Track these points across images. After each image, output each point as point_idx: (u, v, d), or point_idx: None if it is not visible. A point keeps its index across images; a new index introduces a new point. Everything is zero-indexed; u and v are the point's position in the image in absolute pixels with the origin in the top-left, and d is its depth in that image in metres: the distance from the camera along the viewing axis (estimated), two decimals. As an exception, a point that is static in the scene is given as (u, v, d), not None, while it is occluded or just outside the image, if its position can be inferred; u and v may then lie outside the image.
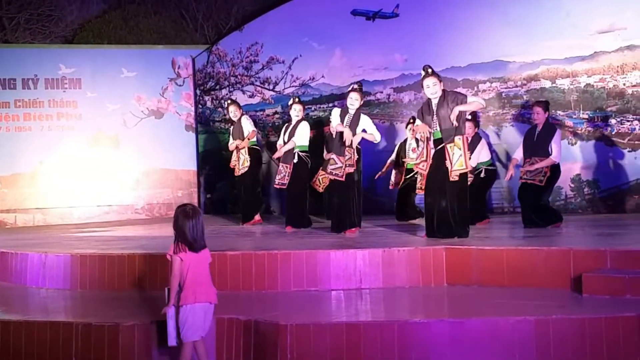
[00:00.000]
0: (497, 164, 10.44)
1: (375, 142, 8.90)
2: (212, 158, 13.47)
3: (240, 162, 10.47)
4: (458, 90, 10.94)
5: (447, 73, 11.31)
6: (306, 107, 12.55)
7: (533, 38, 10.66)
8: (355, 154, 8.56)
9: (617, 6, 10.17)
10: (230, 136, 10.74)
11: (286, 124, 9.98)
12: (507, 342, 4.99)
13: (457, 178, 7.32)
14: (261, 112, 13.11)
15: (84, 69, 13.21)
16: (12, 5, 14.10)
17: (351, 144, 8.46)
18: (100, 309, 6.02)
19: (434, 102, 7.49)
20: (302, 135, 9.66)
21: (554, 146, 8.43)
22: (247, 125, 10.52)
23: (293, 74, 12.76)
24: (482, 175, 9.44)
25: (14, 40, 13.95)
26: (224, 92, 13.41)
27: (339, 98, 12.23)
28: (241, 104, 12.99)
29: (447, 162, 7.32)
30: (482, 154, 9.48)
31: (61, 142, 13.00)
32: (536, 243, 6.99)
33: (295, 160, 9.54)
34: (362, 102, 8.84)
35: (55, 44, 14.04)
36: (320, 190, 9.86)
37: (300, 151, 9.60)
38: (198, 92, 13.67)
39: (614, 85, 10.19)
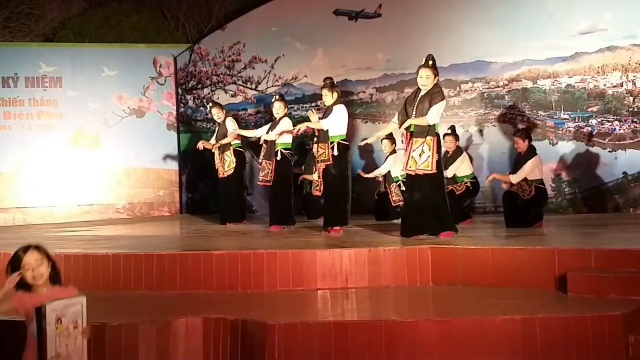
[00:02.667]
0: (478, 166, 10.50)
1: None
2: (193, 157, 13.39)
3: (226, 164, 10.41)
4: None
5: (429, 73, 11.37)
6: (289, 106, 12.60)
7: (514, 39, 10.75)
8: (334, 150, 8.47)
9: (597, 7, 10.26)
10: (214, 137, 10.66)
11: (270, 122, 9.93)
12: (493, 341, 5.01)
13: (421, 173, 7.29)
14: (243, 112, 13.09)
15: (65, 68, 13.11)
16: (-9, 3, 13.99)
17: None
18: (86, 309, 5.97)
19: (421, 93, 7.44)
20: (282, 132, 9.56)
21: (524, 167, 8.50)
22: (232, 127, 10.46)
23: (275, 73, 12.76)
24: (471, 188, 9.53)
25: (-7, 39, 13.84)
26: (205, 91, 13.38)
27: (321, 98, 12.21)
28: (223, 104, 12.98)
29: (414, 153, 7.30)
30: (462, 167, 9.53)
31: (41, 141, 12.90)
32: (521, 242, 7.04)
33: (278, 158, 9.50)
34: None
35: (35, 42, 13.93)
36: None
37: (283, 148, 9.54)
38: (180, 91, 13.63)
39: (594, 86, 10.29)
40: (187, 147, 13.54)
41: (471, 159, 10.39)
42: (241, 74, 13.07)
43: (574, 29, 10.37)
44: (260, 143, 9.82)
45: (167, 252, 6.71)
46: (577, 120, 10.39)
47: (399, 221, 9.77)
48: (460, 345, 5.00)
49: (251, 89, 13.01)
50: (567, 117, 10.47)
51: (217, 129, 10.69)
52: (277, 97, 9.94)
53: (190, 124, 13.56)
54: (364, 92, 12.04)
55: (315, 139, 8.63)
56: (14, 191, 12.78)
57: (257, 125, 12.89)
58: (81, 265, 6.71)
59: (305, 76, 12.50)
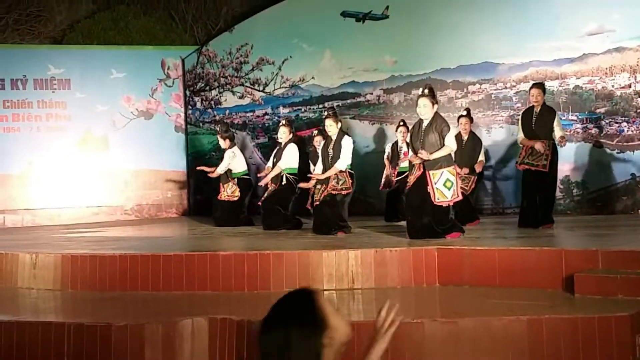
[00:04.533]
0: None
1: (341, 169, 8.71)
2: (201, 159, 13.42)
3: (230, 190, 10.41)
4: (448, 92, 11.10)
5: (436, 75, 11.39)
6: (296, 108, 12.65)
7: (522, 40, 10.71)
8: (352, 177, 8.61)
9: (605, 8, 10.22)
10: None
11: (277, 147, 9.97)
12: (500, 341, 5.00)
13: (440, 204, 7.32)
14: (251, 113, 13.10)
15: (73, 70, 13.16)
16: (0, 5, 14.03)
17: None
18: (92, 309, 6.01)
19: (424, 124, 7.47)
20: (289, 158, 9.65)
21: (557, 130, 8.25)
22: (223, 162, 10.49)
23: (283, 75, 12.76)
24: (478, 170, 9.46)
25: (2, 41, 13.87)
26: (214, 93, 13.39)
27: (329, 99, 12.27)
28: (231, 105, 13.09)
29: (429, 188, 7.31)
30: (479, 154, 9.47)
31: (50, 142, 12.94)
32: (528, 243, 7.01)
33: (283, 183, 9.59)
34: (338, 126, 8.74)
35: (43, 44, 13.98)
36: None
37: (289, 173, 9.62)
38: (188, 93, 13.65)
39: (602, 87, 10.25)
40: (195, 149, 13.56)
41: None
42: (249, 75, 13.08)
43: (581, 30, 10.33)
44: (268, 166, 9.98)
45: (174, 253, 6.72)
46: (585, 122, 10.35)
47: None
48: (466, 345, 4.99)
49: (259, 90, 13.02)
50: (574, 118, 10.43)
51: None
52: (284, 122, 9.98)
53: (198, 126, 13.58)
54: (372, 93, 12.03)
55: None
56: (23, 193, 12.83)
57: (264, 127, 12.94)
58: (88, 266, 6.72)
59: (313, 78, 12.48)
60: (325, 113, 8.91)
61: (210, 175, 10.55)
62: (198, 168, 10.91)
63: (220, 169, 10.46)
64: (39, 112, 13.02)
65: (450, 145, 7.36)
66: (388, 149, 10.50)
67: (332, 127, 8.66)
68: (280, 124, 9.98)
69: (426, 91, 7.47)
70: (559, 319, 5.08)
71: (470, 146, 9.37)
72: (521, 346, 4.98)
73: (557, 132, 8.24)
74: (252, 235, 8.94)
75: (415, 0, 11.61)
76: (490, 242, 7.25)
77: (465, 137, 9.36)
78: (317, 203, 8.66)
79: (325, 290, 6.41)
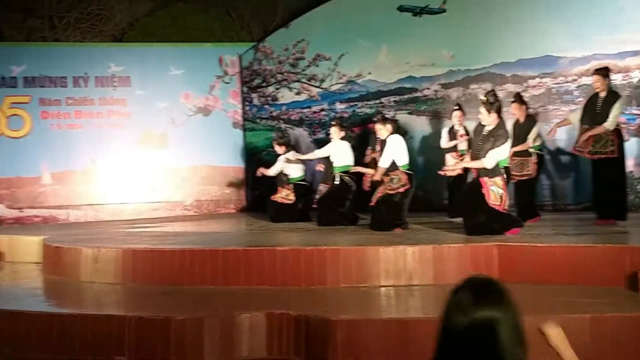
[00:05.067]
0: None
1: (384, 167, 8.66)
2: (258, 155, 13.50)
3: (284, 193, 10.49)
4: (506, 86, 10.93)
5: (495, 69, 11.23)
6: (352, 104, 12.62)
7: (584, 33, 10.47)
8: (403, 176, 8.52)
9: (672, -1, 9.95)
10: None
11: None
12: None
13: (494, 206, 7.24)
14: (308, 109, 13.12)
15: (133, 67, 13.35)
16: (63, 4, 14.33)
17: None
18: (152, 303, 6.09)
19: (485, 129, 7.40)
20: (336, 154, 9.59)
21: (611, 114, 8.00)
22: (275, 166, 10.65)
23: (339, 70, 12.72)
24: (535, 161, 9.24)
25: (65, 39, 14.17)
26: (270, 89, 13.45)
27: (386, 95, 12.20)
28: (288, 101, 13.13)
29: (484, 190, 7.23)
30: (536, 139, 9.27)
31: (111, 139, 13.16)
32: (590, 240, 6.86)
33: (336, 182, 9.53)
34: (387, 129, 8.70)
35: (104, 42, 14.24)
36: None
37: (342, 172, 9.55)
38: (245, 89, 13.73)
39: (667, 80, 9.97)
40: (252, 144, 13.64)
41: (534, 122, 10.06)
42: (305, 71, 13.09)
43: (646, 23, 10.07)
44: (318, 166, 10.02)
45: (232, 248, 6.78)
46: (647, 116, 10.09)
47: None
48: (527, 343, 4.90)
49: (315, 86, 13.02)
50: (638, 112, 10.16)
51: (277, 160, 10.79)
52: (334, 122, 9.99)
53: (255, 122, 13.66)
54: (429, 88, 11.91)
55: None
56: (86, 189, 13.07)
57: (320, 123, 12.95)
58: (147, 260, 6.83)
59: (369, 73, 12.43)
60: (375, 118, 8.93)
61: (262, 173, 10.63)
62: (259, 172, 10.90)
63: (271, 172, 10.60)
64: (101, 109, 13.26)
65: (485, 163, 7.25)
66: (445, 133, 10.35)
67: (381, 131, 8.69)
68: (332, 123, 9.98)
69: (485, 99, 7.39)
70: (622, 317, 4.98)
71: (525, 130, 9.19)
72: (583, 344, 4.87)
73: (610, 119, 8.00)
74: (308, 231, 8.94)
75: (473, -6, 11.46)
76: (550, 239, 7.12)
77: (521, 120, 9.20)
78: (373, 204, 8.62)
79: (382, 286, 6.39)
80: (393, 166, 8.48)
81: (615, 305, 5.29)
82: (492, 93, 7.50)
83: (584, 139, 8.11)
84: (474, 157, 7.44)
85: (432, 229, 8.59)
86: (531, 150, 9.16)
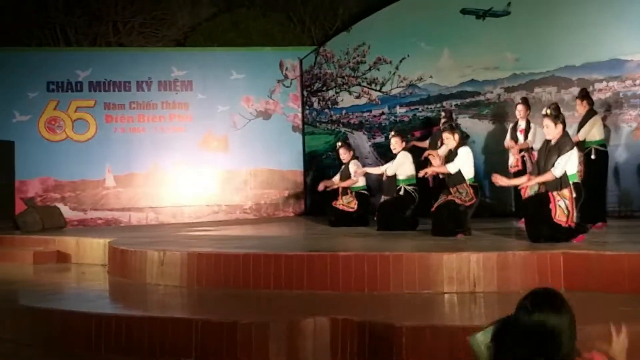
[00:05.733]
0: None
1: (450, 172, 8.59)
2: (318, 159, 13.56)
3: (345, 201, 10.48)
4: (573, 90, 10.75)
5: (561, 72, 11.06)
6: (413, 107, 12.57)
7: (652, 36, 10.24)
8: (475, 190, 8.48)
9: None
10: (338, 176, 10.78)
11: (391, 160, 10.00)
12: (630, 350, 4.79)
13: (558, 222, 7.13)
14: (368, 113, 13.11)
15: (195, 72, 13.55)
16: (127, 10, 14.62)
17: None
18: (217, 306, 6.16)
19: (551, 143, 7.31)
20: (401, 166, 9.59)
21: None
22: (353, 170, 10.56)
23: (400, 74, 12.70)
24: (593, 156, 9.03)
25: (128, 44, 14.46)
26: (330, 93, 13.48)
27: (447, 98, 12.12)
28: (347, 105, 13.14)
29: (551, 205, 7.13)
30: (593, 132, 9.08)
31: (173, 142, 13.38)
32: (660, 249, 6.69)
33: (401, 194, 9.54)
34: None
35: (167, 47, 14.47)
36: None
37: (406, 185, 9.55)
38: (305, 93, 13.80)
39: None
40: (312, 148, 13.68)
41: (606, 126, 9.98)
42: (366, 75, 13.09)
43: None
44: (383, 179, 9.92)
45: (295, 253, 6.80)
46: None
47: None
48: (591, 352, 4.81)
49: (376, 90, 13.01)
50: None
51: (342, 169, 10.75)
52: (394, 132, 9.95)
53: (315, 126, 13.71)
54: (492, 92, 11.79)
55: (446, 180, 8.62)
56: (147, 192, 13.33)
57: (380, 127, 12.93)
58: (213, 264, 6.90)
59: (431, 77, 12.36)
60: (442, 127, 8.87)
61: (336, 185, 10.64)
62: (321, 186, 10.87)
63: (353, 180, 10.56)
64: (163, 112, 13.49)
65: (555, 172, 7.14)
66: (509, 131, 10.24)
67: (449, 140, 8.62)
68: (391, 135, 9.93)
69: (548, 111, 7.32)
70: (697, 329, 4.83)
71: (582, 125, 9.08)
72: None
73: None
74: (368, 236, 8.92)
75: (537, -4, 11.29)
76: (618, 247, 6.97)
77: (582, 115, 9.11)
78: (434, 209, 8.56)
79: (445, 293, 6.33)
80: (460, 179, 8.42)
81: (687, 316, 5.15)
82: (555, 106, 7.44)
83: None
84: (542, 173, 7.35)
85: (495, 235, 8.48)
86: (591, 145, 9.00)
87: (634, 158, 10.36)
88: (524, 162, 9.78)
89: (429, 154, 9.46)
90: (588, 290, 6.17)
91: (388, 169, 9.66)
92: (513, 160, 9.94)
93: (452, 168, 8.44)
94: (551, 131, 7.26)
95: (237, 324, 5.27)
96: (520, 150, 9.83)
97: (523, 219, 9.33)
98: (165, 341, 5.43)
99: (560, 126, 7.26)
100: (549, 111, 7.31)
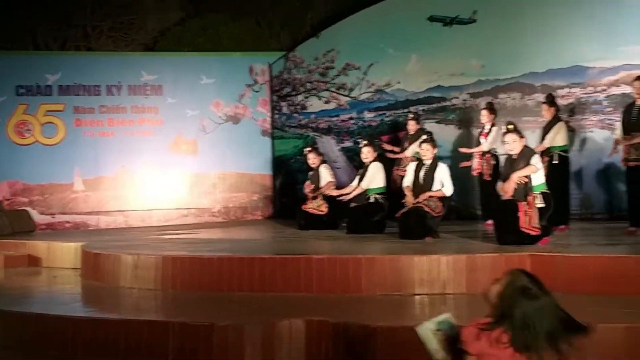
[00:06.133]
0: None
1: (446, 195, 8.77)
2: (287, 163, 13.67)
3: (315, 204, 10.60)
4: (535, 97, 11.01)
5: (525, 79, 11.31)
6: (380, 112, 12.74)
7: (614, 43, 10.51)
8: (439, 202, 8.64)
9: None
10: (309, 181, 10.88)
11: (360, 170, 10.14)
12: (596, 349, 4.98)
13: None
14: (336, 118, 13.26)
15: (165, 76, 13.56)
16: (96, 14, 14.57)
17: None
18: (192, 309, 6.24)
19: (513, 158, 7.62)
20: (374, 178, 9.76)
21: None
22: (326, 176, 10.69)
23: (368, 79, 12.86)
24: (555, 161, 9.31)
25: (97, 48, 14.41)
26: (300, 97, 13.61)
27: (414, 104, 12.31)
28: (317, 110, 13.28)
29: (519, 214, 7.36)
30: (557, 138, 9.35)
31: (143, 146, 13.36)
32: (624, 250, 6.94)
33: (370, 201, 9.73)
34: (435, 152, 8.85)
35: (136, 51, 14.46)
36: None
37: (377, 194, 9.74)
38: (274, 98, 13.89)
39: (696, 91, 9.97)
40: (281, 152, 13.79)
41: (572, 130, 10.32)
42: (334, 80, 13.23)
43: (676, 33, 10.10)
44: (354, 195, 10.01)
45: (269, 256, 6.93)
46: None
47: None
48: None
49: (344, 95, 13.16)
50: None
51: (311, 174, 10.87)
52: (366, 142, 10.11)
53: (284, 130, 13.81)
54: (457, 97, 12.01)
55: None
56: (116, 195, 13.29)
57: (349, 132, 13.08)
58: (187, 267, 6.99)
59: (399, 82, 12.55)
60: (423, 137, 9.11)
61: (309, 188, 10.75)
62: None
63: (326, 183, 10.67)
64: (133, 117, 13.47)
65: (536, 164, 7.46)
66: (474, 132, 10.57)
67: (428, 152, 8.77)
68: (362, 144, 10.08)
69: (512, 127, 7.66)
70: (658, 327, 5.04)
71: (547, 131, 9.38)
72: (618, 354, 4.96)
73: None
74: (339, 239, 9.06)
75: (503, 4, 11.50)
76: (583, 249, 7.20)
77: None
78: (399, 215, 8.74)
79: (416, 294, 6.50)
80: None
81: (650, 315, 5.36)
82: (509, 122, 7.86)
83: (630, 143, 8.23)
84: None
85: (463, 238, 8.68)
86: (554, 150, 9.27)
87: (595, 163, 10.64)
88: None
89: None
90: (554, 291, 6.34)
91: (363, 182, 9.80)
92: (475, 163, 10.24)
93: (448, 191, 8.65)
94: (517, 145, 7.58)
95: (214, 326, 5.36)
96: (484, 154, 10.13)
97: (489, 222, 9.69)
98: (141, 344, 5.51)
99: (524, 140, 7.65)
100: (510, 127, 7.66)
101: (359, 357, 5.18)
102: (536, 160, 7.57)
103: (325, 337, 5.38)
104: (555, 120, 9.42)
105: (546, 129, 9.40)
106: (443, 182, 8.63)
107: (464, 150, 10.49)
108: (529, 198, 7.39)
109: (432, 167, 8.71)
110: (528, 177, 7.45)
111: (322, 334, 5.39)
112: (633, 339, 4.97)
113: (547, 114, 9.43)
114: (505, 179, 7.64)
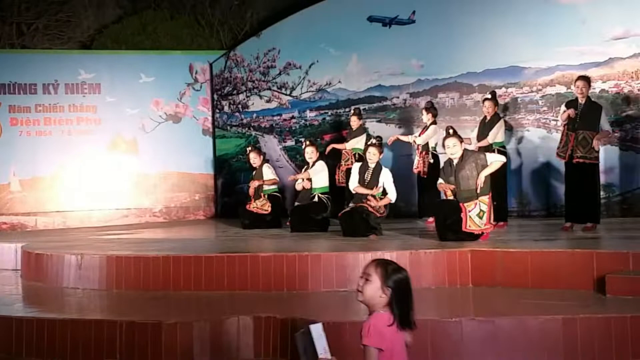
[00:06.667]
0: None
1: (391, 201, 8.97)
2: (228, 162, 13.66)
3: (259, 204, 10.64)
4: (472, 96, 11.27)
5: (463, 78, 11.55)
6: (322, 111, 12.85)
7: (548, 44, 10.82)
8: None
9: (632, 13, 10.34)
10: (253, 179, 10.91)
11: (305, 166, 10.36)
12: (536, 339, 5.18)
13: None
14: (278, 117, 13.31)
15: (103, 74, 13.39)
16: (31, 11, 14.31)
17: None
18: (139, 308, 6.24)
19: (454, 162, 7.80)
20: (318, 177, 9.97)
21: (604, 122, 8.51)
22: (269, 174, 10.78)
23: (310, 79, 12.94)
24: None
25: (32, 46, 14.15)
26: (241, 97, 13.61)
27: (355, 103, 12.43)
28: (258, 109, 13.31)
29: (462, 214, 7.58)
30: (498, 135, 9.57)
31: (81, 146, 13.16)
32: (559, 246, 7.19)
33: (315, 200, 9.88)
34: (381, 156, 9.04)
35: (73, 49, 14.24)
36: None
37: (321, 193, 9.91)
38: (215, 97, 13.86)
39: (628, 91, 10.37)
40: (222, 152, 13.77)
41: (510, 127, 10.69)
42: (276, 79, 13.28)
43: (607, 35, 10.44)
44: (299, 190, 10.30)
45: (215, 254, 6.95)
46: (611, 125, 10.43)
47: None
48: (503, 343, 5.17)
49: (286, 94, 13.22)
50: (601, 121, 10.52)
51: (254, 173, 10.92)
52: (308, 142, 10.30)
53: (225, 129, 13.80)
54: (398, 97, 12.19)
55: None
56: (54, 195, 13.06)
57: (291, 131, 13.15)
58: (132, 267, 6.96)
59: (340, 82, 12.67)
60: (372, 140, 9.23)
61: (252, 187, 10.78)
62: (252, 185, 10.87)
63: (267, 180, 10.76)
64: (70, 116, 13.26)
65: (498, 159, 7.89)
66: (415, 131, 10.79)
67: (374, 157, 8.93)
68: (305, 144, 10.27)
69: (451, 131, 7.89)
70: (593, 318, 5.26)
71: (490, 128, 9.54)
72: (556, 344, 5.16)
73: (606, 127, 8.55)
74: (284, 238, 9.13)
75: (442, 6, 11.72)
76: (521, 245, 7.43)
77: (488, 118, 9.58)
78: (343, 213, 8.89)
79: (362, 290, 6.60)
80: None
81: (585, 307, 5.58)
82: (450, 127, 8.07)
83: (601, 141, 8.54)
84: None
85: (405, 234, 8.85)
86: (495, 146, 9.48)
87: (531, 161, 10.95)
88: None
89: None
90: (495, 285, 6.59)
91: (311, 175, 9.95)
92: (417, 161, 10.46)
93: (392, 197, 8.81)
94: (458, 149, 7.79)
95: (162, 324, 5.39)
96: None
97: (429, 219, 9.90)
98: (89, 343, 5.49)
99: (463, 144, 7.90)
100: (451, 131, 7.88)
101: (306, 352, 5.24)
102: (493, 156, 7.88)
103: (273, 333, 5.46)
104: (496, 117, 9.66)
105: (488, 126, 9.59)
106: (387, 188, 8.80)
107: (392, 139, 10.68)
108: (485, 197, 7.59)
109: (377, 170, 8.88)
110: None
111: (269, 330, 5.46)
112: (570, 329, 5.17)
113: (491, 110, 9.62)
114: (450, 180, 7.83)
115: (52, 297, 7.00)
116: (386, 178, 8.83)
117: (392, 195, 8.83)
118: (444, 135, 8.00)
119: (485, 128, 9.56)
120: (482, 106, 9.85)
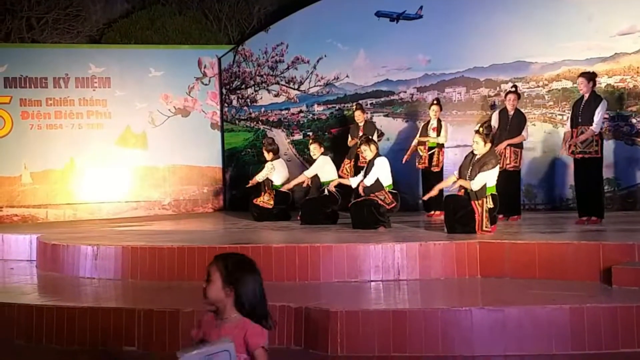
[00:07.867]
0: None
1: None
2: (237, 155, 13.80)
3: (265, 198, 10.79)
4: (480, 90, 11.39)
5: (469, 73, 11.66)
6: (330, 106, 12.98)
7: (554, 39, 10.95)
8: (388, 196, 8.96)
9: (637, 9, 10.45)
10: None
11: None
12: (544, 328, 5.31)
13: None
14: (286, 111, 13.43)
15: (113, 69, 13.53)
16: (41, 5, 14.44)
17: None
18: (155, 297, 6.36)
19: (475, 157, 7.91)
20: (322, 170, 10.22)
21: (595, 117, 8.46)
22: (264, 173, 10.93)
23: (317, 73, 13.06)
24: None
25: (42, 40, 14.29)
26: (249, 91, 13.73)
27: (362, 97, 12.56)
28: (266, 103, 13.47)
29: (477, 216, 7.69)
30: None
31: (91, 139, 13.31)
32: (566, 238, 7.32)
33: (325, 194, 10.09)
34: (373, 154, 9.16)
35: (82, 43, 14.37)
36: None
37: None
38: (224, 91, 13.99)
39: (634, 86, 10.49)
40: (231, 145, 13.90)
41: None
42: (284, 74, 13.40)
43: (613, 30, 10.56)
44: (305, 185, 10.57)
45: (229, 245, 7.08)
46: (616, 120, 10.58)
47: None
48: (511, 331, 5.31)
49: (294, 89, 13.34)
50: (606, 116, 10.61)
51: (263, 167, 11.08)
52: (312, 139, 10.57)
53: (233, 123, 13.93)
54: (405, 92, 12.31)
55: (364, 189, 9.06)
56: (65, 188, 13.21)
57: (298, 125, 13.27)
58: (148, 257, 7.10)
59: (347, 76, 12.79)
60: (360, 139, 9.46)
61: (250, 184, 10.93)
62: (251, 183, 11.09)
63: (258, 178, 10.88)
64: (80, 109, 13.40)
65: (473, 185, 7.77)
66: (421, 127, 10.86)
67: (366, 152, 9.19)
68: (310, 141, 10.58)
69: (481, 129, 7.95)
70: (600, 307, 5.39)
71: (516, 122, 9.63)
72: (564, 333, 5.29)
73: (595, 120, 8.45)
74: (294, 230, 9.26)
75: (449, 1, 11.84)
76: (529, 237, 7.55)
77: (511, 112, 9.65)
78: (352, 205, 9.03)
79: (372, 281, 6.76)
80: (378, 187, 8.92)
81: (592, 297, 5.71)
82: (487, 125, 8.16)
83: (580, 140, 8.49)
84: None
85: (413, 227, 8.99)
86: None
87: (538, 156, 11.07)
88: (430, 159, 10.39)
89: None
90: (503, 276, 6.72)
91: (307, 172, 10.34)
92: (422, 156, 10.57)
93: (369, 181, 8.95)
94: (480, 147, 7.86)
95: (179, 312, 5.52)
96: (431, 148, 10.44)
97: (434, 212, 10.07)
98: (108, 330, 5.63)
99: (488, 145, 7.94)
100: (481, 129, 7.91)
101: (321, 339, 5.39)
102: (487, 176, 7.82)
103: (287, 321, 5.59)
104: (522, 115, 9.76)
105: (514, 121, 9.62)
106: (372, 175, 8.96)
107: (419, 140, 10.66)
108: (480, 201, 7.70)
109: (371, 164, 9.07)
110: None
111: (284, 318, 5.59)
112: (577, 318, 5.30)
113: (515, 104, 9.70)
114: (461, 171, 7.94)
115: (69, 286, 7.15)
116: (375, 165, 8.97)
117: (355, 182, 9.10)
118: (475, 129, 8.09)
119: (512, 123, 9.58)
120: (503, 100, 9.99)
